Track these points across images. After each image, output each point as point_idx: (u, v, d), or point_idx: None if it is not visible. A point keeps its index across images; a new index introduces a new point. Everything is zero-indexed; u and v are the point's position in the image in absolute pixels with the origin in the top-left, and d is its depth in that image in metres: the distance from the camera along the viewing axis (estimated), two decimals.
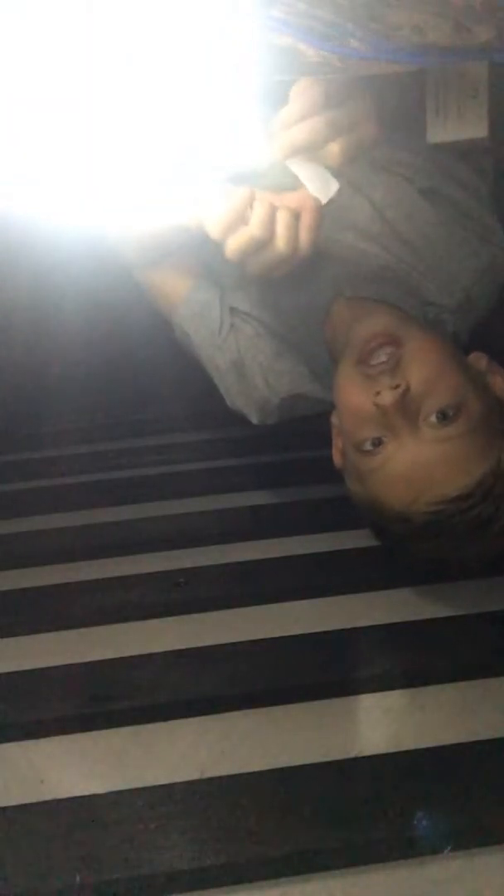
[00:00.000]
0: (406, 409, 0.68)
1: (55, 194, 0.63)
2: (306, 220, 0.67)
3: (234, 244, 0.67)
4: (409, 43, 0.50)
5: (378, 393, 0.69)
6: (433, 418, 0.68)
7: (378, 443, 0.70)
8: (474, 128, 0.66)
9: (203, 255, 0.88)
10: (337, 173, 0.68)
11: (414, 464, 0.68)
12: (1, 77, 0.51)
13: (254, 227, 0.66)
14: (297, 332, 0.88)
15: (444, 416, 0.68)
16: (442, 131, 0.67)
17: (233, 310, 0.89)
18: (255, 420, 0.91)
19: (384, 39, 0.49)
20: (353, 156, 0.67)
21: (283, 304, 0.88)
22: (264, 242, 0.66)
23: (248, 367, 0.88)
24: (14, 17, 0.49)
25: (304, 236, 0.67)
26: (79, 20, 0.49)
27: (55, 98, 0.53)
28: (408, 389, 0.69)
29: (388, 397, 0.68)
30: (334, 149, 0.65)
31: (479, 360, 0.76)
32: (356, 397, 0.72)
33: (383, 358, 0.71)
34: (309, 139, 0.65)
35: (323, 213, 0.68)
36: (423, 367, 0.70)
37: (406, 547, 0.72)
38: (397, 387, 0.69)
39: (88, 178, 0.63)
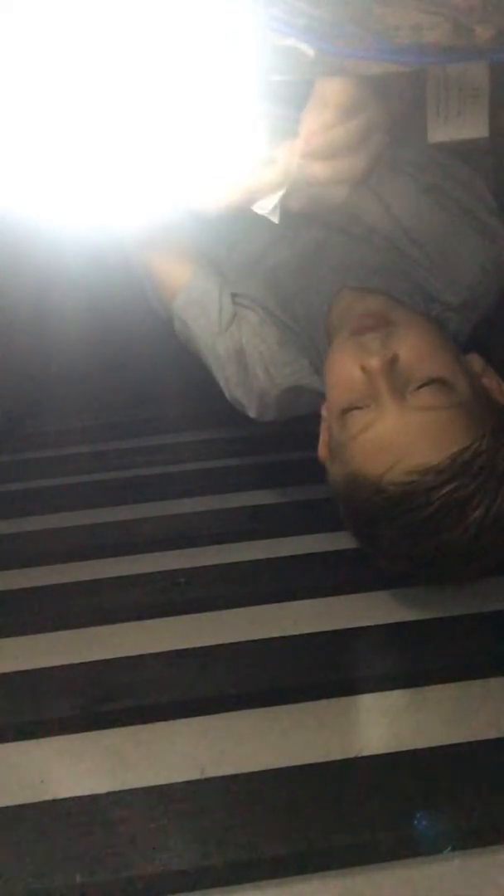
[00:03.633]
0: (393, 379, 0.69)
1: (56, 194, 0.63)
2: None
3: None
4: (409, 43, 0.50)
5: (367, 358, 0.70)
6: (420, 387, 0.69)
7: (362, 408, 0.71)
8: (475, 128, 0.66)
9: (203, 243, 0.88)
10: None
11: (394, 430, 0.68)
12: (1, 74, 0.51)
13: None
14: (300, 323, 0.88)
15: (431, 386, 0.68)
16: (442, 131, 0.67)
17: (236, 296, 0.89)
18: (252, 413, 0.91)
19: (384, 39, 0.49)
20: (371, 169, 0.65)
21: (288, 292, 0.88)
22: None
23: (249, 357, 0.88)
24: (14, 15, 0.49)
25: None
26: (79, 19, 0.49)
27: (55, 96, 0.53)
28: (396, 358, 0.69)
29: (375, 361, 0.69)
30: (357, 163, 0.64)
31: (475, 361, 0.76)
32: (345, 364, 0.73)
33: (376, 332, 0.72)
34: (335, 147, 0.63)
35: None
36: (414, 341, 0.71)
37: (381, 535, 0.70)
38: (386, 355, 0.70)
39: (89, 178, 0.63)
